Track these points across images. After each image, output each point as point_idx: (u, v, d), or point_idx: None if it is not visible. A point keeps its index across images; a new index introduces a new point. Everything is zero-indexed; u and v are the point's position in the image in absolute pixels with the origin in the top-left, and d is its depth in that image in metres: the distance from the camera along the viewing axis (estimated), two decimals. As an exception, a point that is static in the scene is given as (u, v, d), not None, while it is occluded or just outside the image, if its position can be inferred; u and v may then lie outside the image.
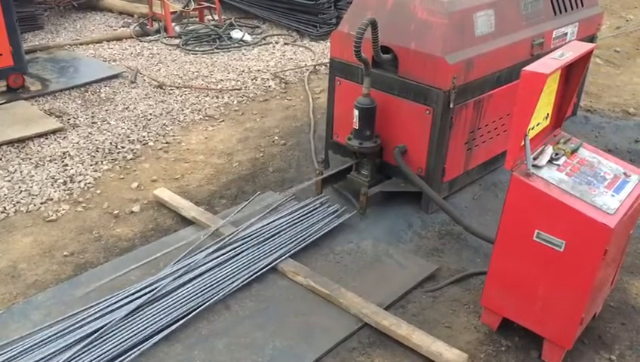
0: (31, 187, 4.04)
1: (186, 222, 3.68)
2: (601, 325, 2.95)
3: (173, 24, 7.53)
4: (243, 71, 6.34)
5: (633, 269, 3.38)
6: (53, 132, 4.78)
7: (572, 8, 4.42)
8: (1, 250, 3.43)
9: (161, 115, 5.24)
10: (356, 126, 3.62)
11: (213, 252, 3.27)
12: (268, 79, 6.13)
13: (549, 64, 2.42)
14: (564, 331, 2.58)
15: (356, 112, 3.58)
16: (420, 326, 2.84)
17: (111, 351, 2.62)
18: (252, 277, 3.12)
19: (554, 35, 4.18)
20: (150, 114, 5.24)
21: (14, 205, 3.85)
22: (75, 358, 2.58)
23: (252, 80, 6.10)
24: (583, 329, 2.75)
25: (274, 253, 3.27)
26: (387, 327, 2.81)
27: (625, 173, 2.63)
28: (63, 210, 3.82)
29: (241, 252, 3.27)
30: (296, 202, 3.73)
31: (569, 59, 2.48)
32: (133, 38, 7.35)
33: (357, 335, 2.86)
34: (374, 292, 3.07)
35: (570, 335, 2.58)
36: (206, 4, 7.94)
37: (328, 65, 4.06)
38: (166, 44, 7.16)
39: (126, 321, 2.79)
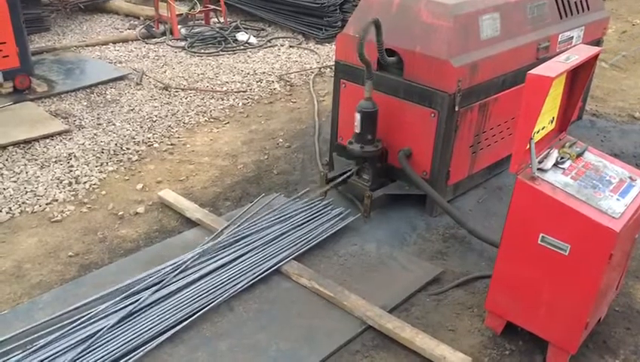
0: (36, 188, 4.05)
1: (191, 223, 3.69)
2: (606, 329, 2.94)
3: (178, 26, 7.55)
4: (248, 73, 6.36)
5: (638, 274, 3.36)
6: (59, 133, 4.80)
7: (578, 12, 4.41)
8: (6, 250, 3.44)
9: (166, 116, 5.25)
10: (358, 130, 3.61)
11: (216, 254, 3.28)
12: (273, 82, 6.14)
13: (555, 68, 2.41)
14: (569, 335, 2.57)
15: (358, 116, 3.57)
16: (423, 330, 2.83)
17: (115, 351, 2.63)
18: (256, 279, 3.12)
19: (560, 39, 4.18)
20: (155, 115, 5.25)
21: (20, 206, 3.86)
22: (79, 359, 2.58)
23: (257, 82, 6.11)
24: (588, 333, 2.74)
25: (278, 255, 3.28)
26: (391, 330, 2.80)
27: (630, 177, 2.62)
28: (68, 210, 3.84)
29: (245, 254, 3.27)
30: (300, 204, 3.73)
31: (575, 62, 2.48)
32: (139, 40, 7.38)
33: (360, 337, 2.86)
34: (378, 295, 3.07)
35: (574, 339, 2.57)
36: (212, 7, 7.96)
37: (333, 67, 4.06)
38: (172, 47, 7.18)
39: (129, 322, 2.80)
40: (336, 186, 3.88)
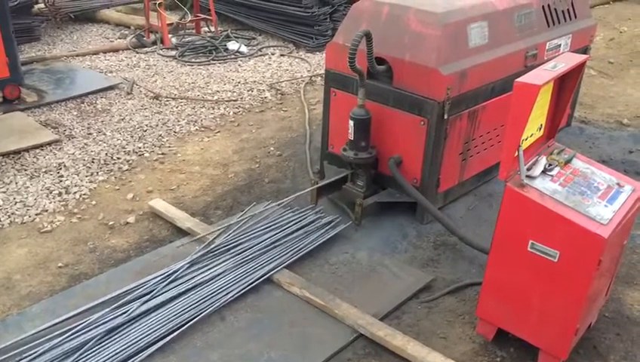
0: (26, 198, 4.03)
1: (182, 233, 3.68)
2: (596, 335, 2.95)
3: (169, 35, 7.56)
4: (239, 82, 6.36)
5: (628, 279, 3.38)
6: (49, 143, 4.78)
7: (565, 20, 4.46)
8: (-5, 262, 3.42)
9: (157, 126, 5.24)
10: (351, 137, 3.63)
11: (207, 263, 3.27)
12: (264, 90, 6.15)
13: (542, 75, 2.43)
14: (559, 341, 2.58)
15: (351, 123, 3.59)
16: (415, 337, 2.83)
17: (105, 362, 2.61)
18: (247, 288, 3.11)
19: (547, 47, 4.21)
20: (146, 125, 5.24)
21: (9, 216, 3.84)
22: (68, 370, 2.57)
23: (248, 91, 6.12)
24: (578, 339, 2.75)
25: (269, 263, 3.27)
26: (382, 338, 2.80)
27: (618, 184, 2.64)
28: (58, 221, 3.81)
29: (237, 263, 3.26)
30: (291, 213, 3.73)
31: (562, 70, 2.50)
32: (129, 49, 7.38)
33: (352, 346, 2.85)
34: (369, 303, 3.07)
35: (565, 345, 2.58)
36: (202, 16, 7.98)
37: (324, 76, 4.08)
38: (162, 56, 7.18)
39: (120, 333, 2.78)
40: (329, 194, 3.89)
